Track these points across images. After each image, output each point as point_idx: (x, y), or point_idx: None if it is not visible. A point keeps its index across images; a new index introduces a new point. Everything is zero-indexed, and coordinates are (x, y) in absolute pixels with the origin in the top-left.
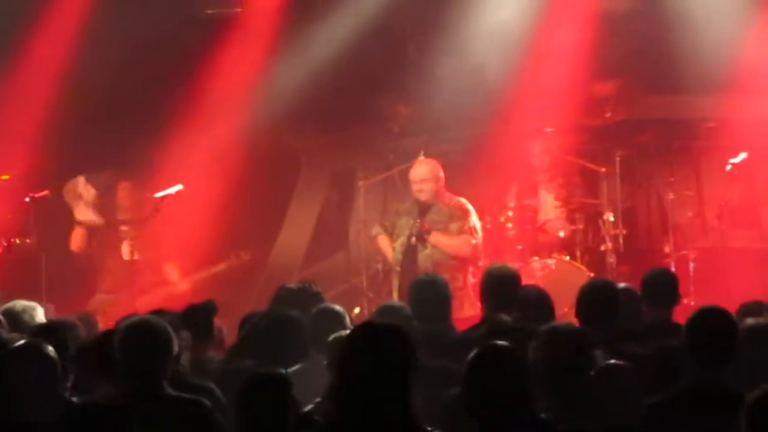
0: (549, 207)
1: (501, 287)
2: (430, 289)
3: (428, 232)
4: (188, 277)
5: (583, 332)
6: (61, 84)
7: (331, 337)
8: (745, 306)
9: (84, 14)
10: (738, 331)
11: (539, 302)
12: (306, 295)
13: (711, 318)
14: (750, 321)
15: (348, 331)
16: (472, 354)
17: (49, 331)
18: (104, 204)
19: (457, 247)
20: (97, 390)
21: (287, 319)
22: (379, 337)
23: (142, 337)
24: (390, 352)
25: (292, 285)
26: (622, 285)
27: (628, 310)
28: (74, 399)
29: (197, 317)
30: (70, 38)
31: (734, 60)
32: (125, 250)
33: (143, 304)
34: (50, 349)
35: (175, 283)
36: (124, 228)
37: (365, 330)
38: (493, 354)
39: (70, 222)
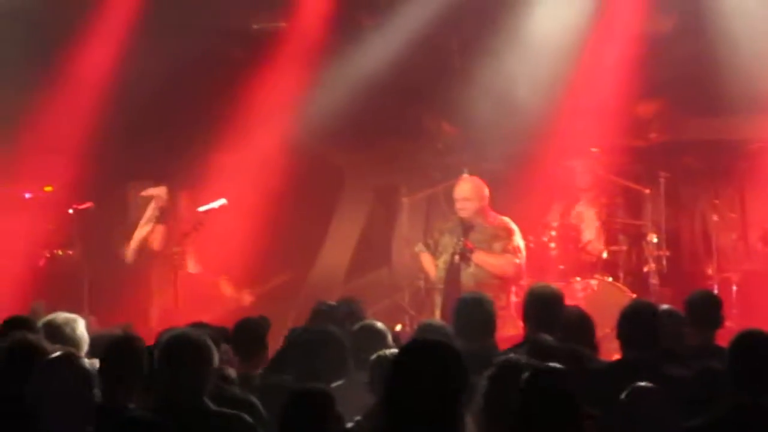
0: (592, 227)
1: (544, 307)
2: (476, 307)
3: (472, 251)
4: (245, 290)
5: None
6: (106, 96)
7: (374, 356)
8: None
9: (131, 26)
10: None
11: (580, 323)
12: (344, 312)
13: (754, 341)
14: None
15: (390, 351)
16: (524, 377)
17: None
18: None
19: (500, 266)
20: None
21: (328, 335)
22: (435, 355)
23: (182, 350)
24: (445, 370)
25: (331, 301)
26: (665, 307)
27: (671, 331)
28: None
29: (247, 332)
30: (117, 49)
31: None
32: (185, 263)
33: (206, 318)
34: (85, 360)
35: (234, 298)
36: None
37: (420, 347)
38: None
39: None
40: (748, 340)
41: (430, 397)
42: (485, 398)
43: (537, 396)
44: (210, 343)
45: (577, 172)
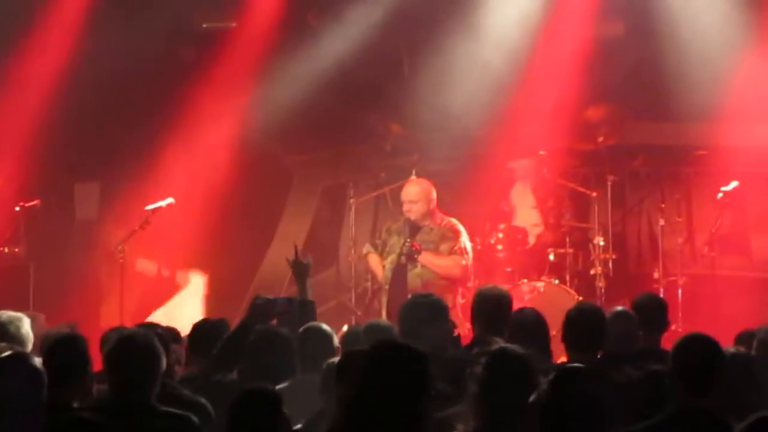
0: (525, 207)
1: (492, 309)
2: (424, 307)
3: (418, 252)
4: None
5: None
6: (53, 93)
7: (325, 363)
8: (740, 335)
9: (80, 23)
10: (723, 358)
11: (535, 326)
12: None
13: (696, 345)
14: (731, 349)
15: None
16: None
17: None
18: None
19: (447, 267)
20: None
21: (274, 335)
22: (403, 354)
23: (130, 350)
24: (414, 371)
25: (269, 295)
26: (619, 308)
27: (625, 333)
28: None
29: (205, 334)
30: (65, 47)
31: (726, 87)
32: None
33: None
34: (36, 360)
35: (156, 275)
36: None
37: (389, 347)
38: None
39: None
40: (691, 343)
41: (398, 397)
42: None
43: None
44: (157, 343)
45: (521, 174)
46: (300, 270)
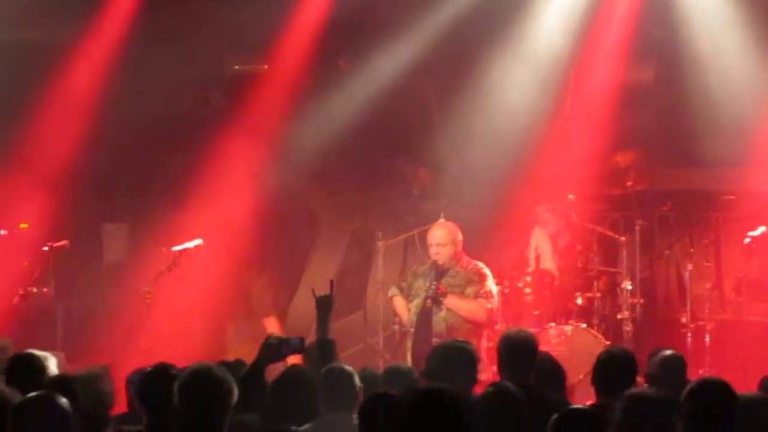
0: (546, 252)
1: (518, 352)
2: (449, 354)
3: (444, 295)
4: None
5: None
6: (83, 135)
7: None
8: (765, 380)
9: (111, 65)
10: (736, 402)
11: (551, 369)
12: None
13: (710, 389)
14: (748, 394)
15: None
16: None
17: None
18: None
19: (472, 311)
20: None
21: (298, 375)
22: (450, 403)
23: (206, 385)
24: (458, 418)
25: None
26: (668, 352)
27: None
28: None
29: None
30: (95, 89)
31: (753, 133)
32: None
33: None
34: (63, 401)
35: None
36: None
37: (437, 394)
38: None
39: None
40: (704, 387)
41: None
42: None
43: None
44: (231, 379)
45: (547, 218)
46: (325, 305)
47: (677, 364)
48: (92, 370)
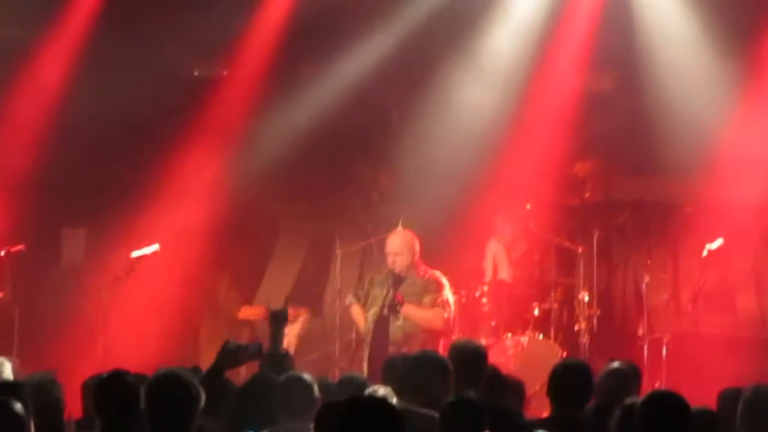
0: (521, 282)
1: (467, 363)
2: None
3: (401, 304)
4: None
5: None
6: (40, 138)
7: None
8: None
9: (69, 68)
10: (690, 415)
11: (506, 380)
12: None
13: (663, 401)
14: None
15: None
16: None
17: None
18: None
19: (429, 320)
20: None
21: (258, 381)
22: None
23: (174, 389)
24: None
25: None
26: (616, 364)
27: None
28: None
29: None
30: (53, 92)
31: (713, 145)
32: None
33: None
34: (18, 406)
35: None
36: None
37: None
38: None
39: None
40: (656, 399)
41: None
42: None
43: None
44: (197, 383)
45: (503, 227)
46: (278, 320)
47: (624, 376)
48: (42, 375)
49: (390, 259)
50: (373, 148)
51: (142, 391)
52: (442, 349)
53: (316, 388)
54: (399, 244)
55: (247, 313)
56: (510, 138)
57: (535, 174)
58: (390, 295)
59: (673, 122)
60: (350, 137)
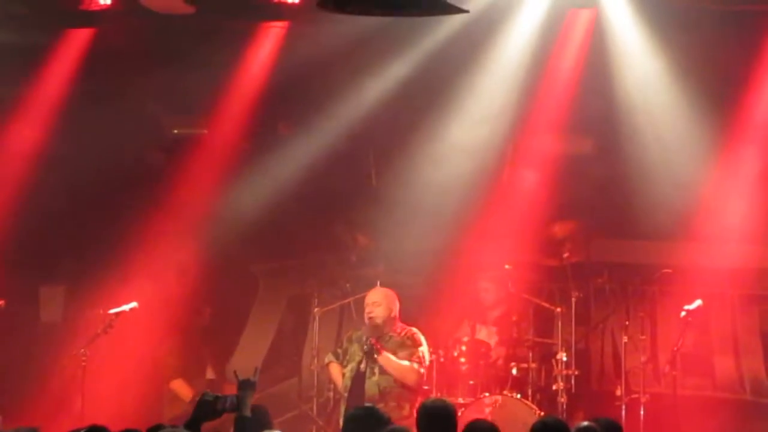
0: (499, 342)
1: (436, 422)
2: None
3: (378, 351)
4: None
5: None
6: (19, 196)
7: None
8: None
9: (49, 124)
10: None
11: None
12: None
13: None
14: None
15: None
16: None
17: None
18: None
19: (403, 370)
20: None
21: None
22: None
23: None
24: None
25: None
26: (584, 423)
27: None
28: None
29: None
30: (35, 150)
31: (691, 208)
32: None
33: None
34: None
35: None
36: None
37: None
38: None
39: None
40: None
41: None
42: None
43: None
44: None
45: (483, 288)
46: (246, 389)
47: None
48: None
49: (368, 310)
50: (352, 209)
51: None
52: (418, 405)
53: None
54: (378, 296)
55: (177, 386)
56: (489, 199)
57: (515, 235)
58: (367, 341)
59: (651, 185)
60: (328, 197)
